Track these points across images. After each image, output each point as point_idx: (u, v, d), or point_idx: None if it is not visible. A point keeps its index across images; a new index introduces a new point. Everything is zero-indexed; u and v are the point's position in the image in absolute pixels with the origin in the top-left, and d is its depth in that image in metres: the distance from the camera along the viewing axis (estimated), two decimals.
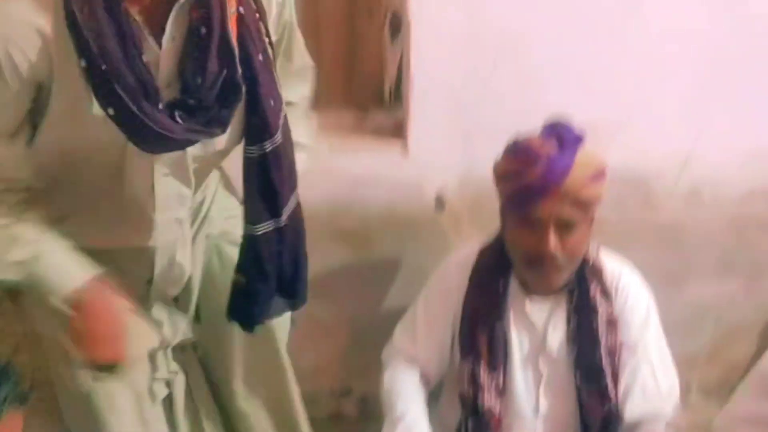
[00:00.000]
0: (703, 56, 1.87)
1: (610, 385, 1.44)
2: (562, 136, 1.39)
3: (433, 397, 1.62)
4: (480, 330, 1.49)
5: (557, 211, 1.36)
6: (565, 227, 1.38)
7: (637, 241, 1.98)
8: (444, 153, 1.82)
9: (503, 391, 1.48)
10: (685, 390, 2.16)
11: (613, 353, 1.45)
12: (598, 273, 1.48)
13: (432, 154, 1.82)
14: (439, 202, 1.86)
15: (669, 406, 1.49)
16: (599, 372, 1.44)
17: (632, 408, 1.46)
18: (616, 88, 1.85)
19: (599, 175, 1.40)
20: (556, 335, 1.48)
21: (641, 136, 1.91)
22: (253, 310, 1.31)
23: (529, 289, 1.50)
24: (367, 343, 2.03)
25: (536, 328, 1.50)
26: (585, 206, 1.39)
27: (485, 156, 1.53)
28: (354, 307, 2.01)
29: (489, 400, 1.46)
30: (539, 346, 1.49)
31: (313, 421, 1.92)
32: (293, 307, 1.39)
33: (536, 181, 1.35)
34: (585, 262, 1.48)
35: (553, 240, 1.37)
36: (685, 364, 2.05)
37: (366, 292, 1.99)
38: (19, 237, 1.07)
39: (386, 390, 1.55)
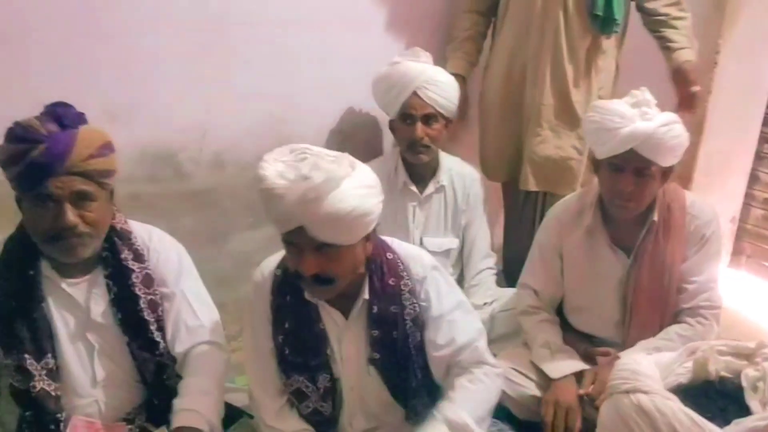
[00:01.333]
0: (194, 42, 2.11)
1: (157, 334, 1.59)
2: (62, 117, 1.44)
3: None
4: (18, 322, 1.48)
5: (69, 185, 1.42)
6: (81, 200, 1.44)
7: (176, 209, 2.18)
8: None
9: (56, 373, 1.50)
10: None
11: (155, 307, 1.59)
12: (127, 239, 1.59)
13: None
14: None
15: (215, 336, 1.68)
16: (144, 326, 1.57)
17: (177, 342, 1.62)
18: (124, 75, 1.98)
19: (105, 147, 1.47)
20: (99, 305, 1.55)
21: (161, 113, 2.09)
22: None
23: (63, 270, 1.53)
24: None
25: (78, 304, 1.55)
26: (98, 178, 1.46)
27: None
28: None
29: (41, 383, 1.48)
30: (85, 320, 1.55)
31: None
32: None
33: (40, 159, 1.38)
34: (113, 231, 1.57)
35: (70, 214, 1.43)
36: (242, 306, 2.33)
37: None
38: None
39: None
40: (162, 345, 1.60)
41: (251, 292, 1.61)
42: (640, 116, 1.81)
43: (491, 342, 2.08)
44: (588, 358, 2.00)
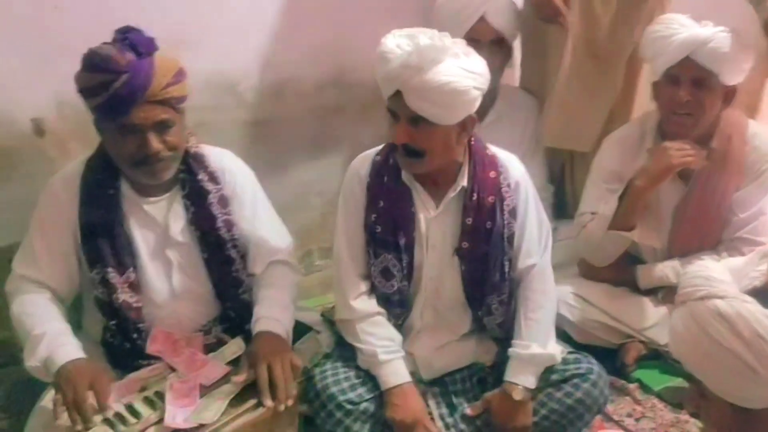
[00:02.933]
0: None
1: (233, 253, 1.66)
2: (136, 44, 1.46)
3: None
4: (102, 238, 1.57)
5: (151, 115, 1.47)
6: (161, 127, 1.50)
7: (239, 138, 2.24)
8: (29, 80, 1.77)
9: (137, 285, 1.59)
10: (307, 255, 2.56)
11: (230, 226, 1.66)
12: (202, 162, 1.65)
13: (17, 83, 1.76)
14: (38, 128, 1.83)
15: (290, 257, 1.77)
16: (222, 243, 1.65)
17: (257, 262, 1.71)
18: (189, 4, 2.01)
19: (179, 74, 1.52)
20: (178, 224, 1.63)
21: (224, 43, 2.13)
22: None
23: (142, 190, 1.60)
24: None
25: (158, 222, 1.62)
26: (175, 104, 1.52)
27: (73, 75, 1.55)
28: None
29: (124, 295, 1.57)
30: (164, 237, 1.63)
31: None
32: None
33: (122, 90, 1.43)
34: (188, 154, 1.62)
35: (154, 141, 1.49)
36: (303, 234, 2.41)
37: None
38: None
39: (18, 318, 1.54)
40: (238, 261, 1.67)
41: (348, 178, 1.68)
42: (699, 25, 1.83)
43: None
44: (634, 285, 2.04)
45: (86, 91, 1.48)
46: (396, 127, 1.52)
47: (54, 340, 1.48)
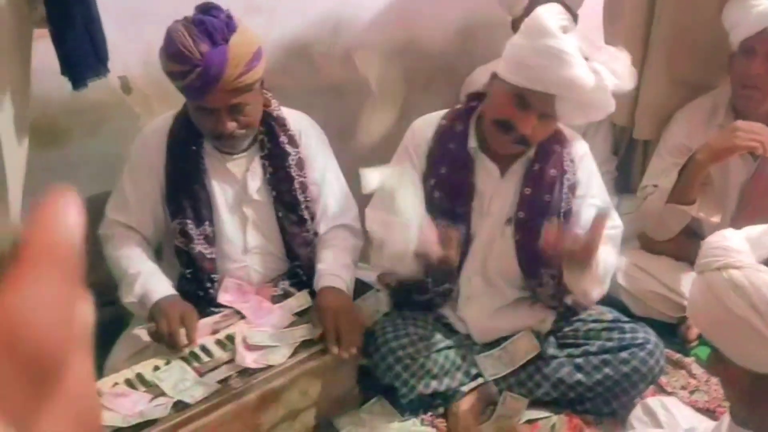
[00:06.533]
0: None
1: (305, 213, 1.74)
2: (212, 31, 1.46)
3: None
4: (183, 190, 1.66)
5: (223, 101, 1.51)
6: (235, 109, 1.55)
7: (307, 103, 2.28)
8: (119, 39, 1.87)
9: (213, 238, 1.69)
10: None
11: (305, 187, 1.74)
12: (283, 125, 1.72)
13: (108, 42, 1.86)
14: (125, 85, 1.94)
15: (354, 222, 1.83)
16: (296, 204, 1.72)
17: (321, 225, 1.79)
18: None
19: (253, 59, 1.51)
20: (255, 182, 1.71)
21: (297, 9, 2.19)
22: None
23: (221, 147, 1.69)
24: None
25: (237, 179, 1.71)
26: (248, 88, 1.53)
27: (159, 36, 1.63)
28: None
29: (199, 246, 1.67)
30: (242, 194, 1.71)
31: None
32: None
33: (196, 82, 1.47)
34: (270, 116, 1.69)
35: (227, 123, 1.55)
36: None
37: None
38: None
39: (113, 259, 1.66)
40: (309, 222, 1.75)
41: (408, 139, 1.71)
42: None
43: None
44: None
45: (167, 73, 1.54)
46: (523, 117, 1.49)
47: (148, 278, 1.60)
